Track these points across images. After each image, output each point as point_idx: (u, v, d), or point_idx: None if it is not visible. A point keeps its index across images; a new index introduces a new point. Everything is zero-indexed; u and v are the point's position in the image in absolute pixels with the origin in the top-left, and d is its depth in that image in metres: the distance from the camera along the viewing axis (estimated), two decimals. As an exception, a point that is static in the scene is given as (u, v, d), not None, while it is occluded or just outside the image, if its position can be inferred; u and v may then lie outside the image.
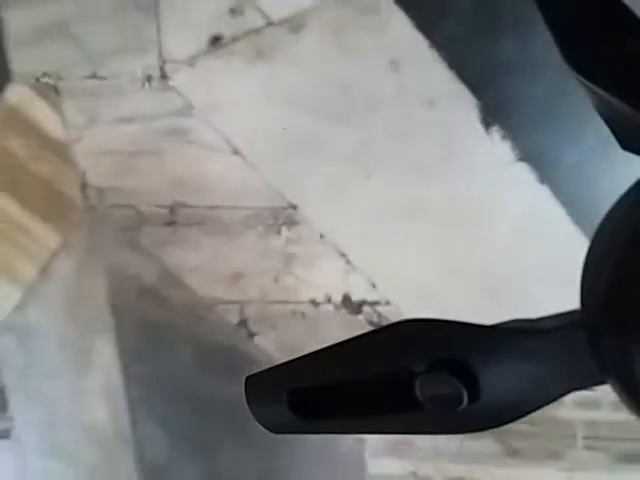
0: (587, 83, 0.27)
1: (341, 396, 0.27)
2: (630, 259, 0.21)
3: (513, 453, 0.77)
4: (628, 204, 0.24)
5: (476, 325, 0.25)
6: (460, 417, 0.25)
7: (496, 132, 0.63)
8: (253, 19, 0.61)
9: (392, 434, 0.27)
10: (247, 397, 0.29)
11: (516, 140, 0.63)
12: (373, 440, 0.79)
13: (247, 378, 0.29)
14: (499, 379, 0.24)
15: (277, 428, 0.29)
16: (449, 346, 0.25)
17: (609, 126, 0.29)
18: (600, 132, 0.63)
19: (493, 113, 0.62)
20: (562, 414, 0.74)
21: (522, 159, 0.64)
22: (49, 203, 0.73)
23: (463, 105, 0.62)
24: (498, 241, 0.67)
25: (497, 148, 0.63)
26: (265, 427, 0.29)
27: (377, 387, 0.27)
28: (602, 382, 0.23)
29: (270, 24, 0.61)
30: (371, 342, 0.26)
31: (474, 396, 0.24)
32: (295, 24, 0.60)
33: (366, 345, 0.27)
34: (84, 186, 0.71)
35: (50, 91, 0.67)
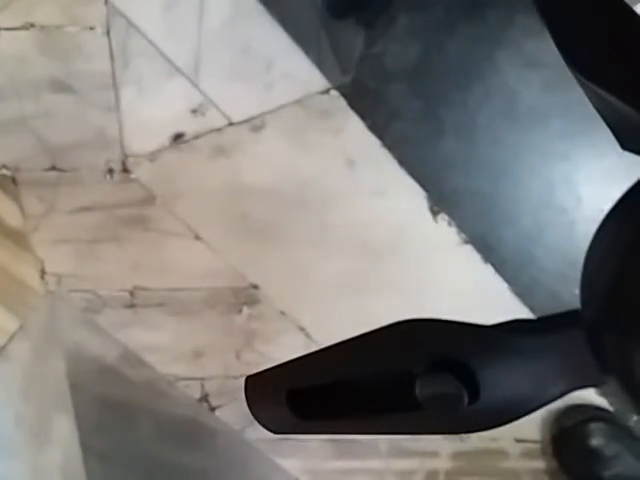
0: (587, 83, 0.27)
1: (341, 396, 0.27)
2: (630, 260, 0.21)
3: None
4: (628, 205, 0.23)
5: (476, 325, 0.24)
6: (460, 417, 0.24)
7: (442, 219, 0.68)
8: (214, 119, 0.63)
9: (392, 434, 0.27)
10: (247, 397, 0.28)
11: (461, 226, 0.68)
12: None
13: (247, 378, 0.28)
14: (499, 379, 0.24)
15: (277, 428, 0.28)
16: (449, 346, 0.24)
17: (609, 126, 0.29)
18: (536, 215, 0.69)
19: (439, 203, 0.67)
20: (507, 464, 0.79)
21: (467, 242, 0.69)
22: (7, 289, 0.72)
23: (413, 196, 0.66)
24: (445, 315, 0.71)
25: (444, 233, 0.68)
26: (265, 427, 0.28)
27: (377, 387, 0.26)
28: (602, 382, 0.23)
29: (231, 124, 0.63)
30: (371, 342, 0.26)
31: (474, 396, 0.24)
32: (255, 124, 0.63)
33: (366, 345, 0.26)
34: (43, 272, 0.71)
35: (8, 182, 0.67)
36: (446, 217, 0.68)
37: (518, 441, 0.78)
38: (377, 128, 0.63)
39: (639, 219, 0.22)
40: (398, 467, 0.80)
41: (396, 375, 0.25)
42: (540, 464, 0.79)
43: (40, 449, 0.81)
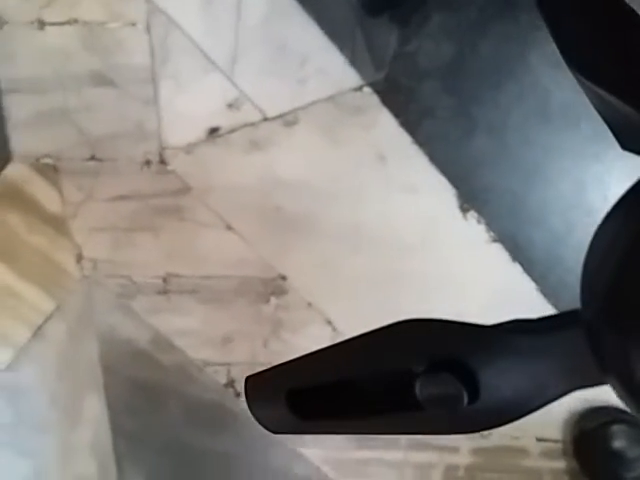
0: (587, 83, 0.27)
1: (341, 396, 0.27)
2: (630, 260, 0.21)
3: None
4: (628, 205, 0.23)
5: (476, 325, 0.24)
6: (460, 417, 0.24)
7: (472, 217, 0.69)
8: (250, 114, 0.65)
9: (392, 434, 0.26)
10: (247, 397, 0.28)
11: (490, 224, 0.69)
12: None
13: (247, 378, 0.28)
14: (499, 379, 0.24)
15: (277, 428, 0.28)
16: (449, 346, 0.24)
17: (609, 126, 0.29)
18: (565, 216, 0.69)
19: (469, 200, 0.68)
20: (528, 463, 0.80)
21: (496, 240, 0.70)
22: (45, 272, 0.75)
23: (443, 193, 0.67)
24: (472, 313, 0.72)
25: (473, 230, 0.69)
26: (265, 427, 0.28)
27: (377, 387, 0.26)
28: (602, 382, 0.23)
29: (265, 119, 0.65)
30: (371, 342, 0.26)
31: (474, 396, 0.24)
32: (289, 120, 0.65)
33: (366, 345, 0.26)
34: (80, 258, 0.74)
35: (49, 170, 0.70)
36: (475, 215, 0.69)
37: (539, 440, 0.78)
38: (409, 125, 0.64)
39: (637, 220, 0.22)
40: (417, 460, 0.81)
41: (396, 375, 0.25)
42: (561, 464, 0.79)
43: (72, 427, 0.84)
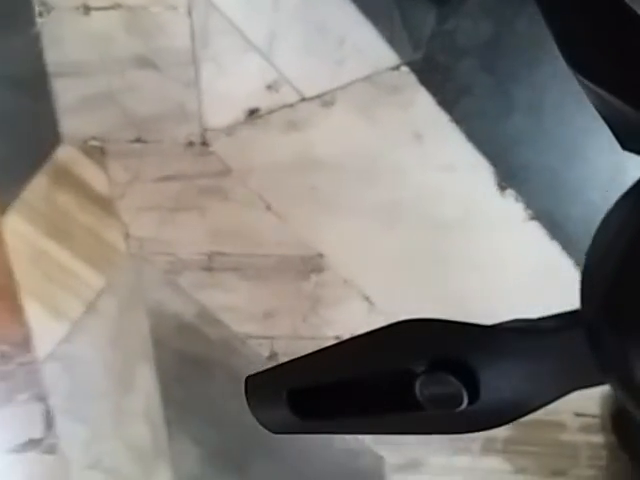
0: (587, 83, 0.27)
1: (341, 396, 0.27)
2: (630, 260, 0.21)
3: (521, 470, 0.84)
4: (628, 205, 0.24)
5: (476, 325, 0.24)
6: (460, 417, 0.24)
7: (509, 195, 0.68)
8: (288, 95, 0.66)
9: (392, 434, 0.27)
10: (247, 397, 0.28)
11: (528, 201, 0.68)
12: (392, 457, 0.86)
13: (247, 378, 0.28)
14: (499, 379, 0.24)
15: (277, 428, 0.28)
16: (449, 346, 0.24)
17: (609, 126, 0.29)
18: (604, 193, 0.68)
19: (507, 178, 0.67)
20: (566, 437, 0.80)
21: (534, 218, 0.69)
22: (95, 250, 0.79)
23: (480, 171, 0.67)
24: (511, 290, 0.72)
25: (511, 208, 0.69)
26: (265, 427, 0.28)
27: (377, 387, 0.26)
28: (602, 382, 0.23)
29: (303, 99, 0.66)
30: (371, 342, 0.26)
31: (474, 396, 0.24)
32: (326, 100, 0.65)
33: (366, 345, 0.26)
34: (127, 236, 0.77)
35: (97, 152, 0.73)
36: (513, 192, 0.68)
37: (578, 415, 0.79)
38: (446, 103, 0.63)
39: (637, 221, 0.22)
40: (455, 432, 0.83)
41: (396, 375, 0.25)
42: (599, 439, 0.80)
43: (125, 395, 0.89)
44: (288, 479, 0.90)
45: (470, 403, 0.24)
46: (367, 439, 0.85)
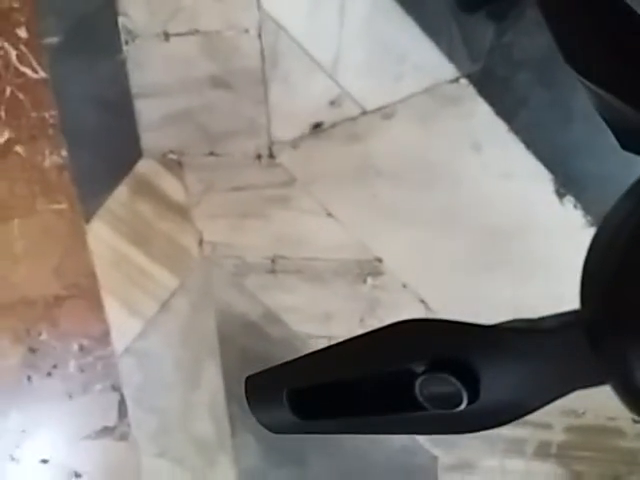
0: (587, 83, 0.28)
1: (341, 396, 0.27)
2: (630, 260, 0.21)
3: (576, 476, 0.84)
4: (627, 206, 0.24)
5: (476, 325, 0.24)
6: (460, 417, 0.24)
7: (568, 201, 0.70)
8: (350, 109, 0.70)
9: (392, 434, 0.27)
10: (247, 397, 0.28)
11: (587, 208, 0.70)
12: (445, 457, 0.88)
13: (247, 378, 0.29)
14: (499, 379, 0.24)
15: (277, 428, 0.28)
16: (449, 346, 0.24)
17: (609, 126, 0.30)
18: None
19: (566, 185, 0.69)
20: (624, 444, 0.80)
21: (593, 225, 0.70)
22: (170, 254, 0.85)
23: (539, 179, 0.69)
24: (568, 298, 0.73)
25: (570, 215, 0.70)
26: (266, 427, 0.29)
27: (377, 387, 0.26)
28: (602, 382, 0.23)
29: (364, 113, 0.70)
30: (371, 342, 0.26)
31: (474, 396, 0.24)
32: (387, 112, 0.69)
33: (366, 345, 0.26)
34: (201, 241, 0.83)
35: (174, 165, 0.79)
36: (572, 199, 0.70)
37: (636, 422, 0.79)
38: (505, 114, 0.66)
39: (635, 222, 0.23)
40: (510, 434, 0.84)
41: (396, 375, 0.25)
42: (658, 446, 0.79)
43: (192, 390, 0.95)
44: (345, 474, 0.93)
45: (470, 403, 0.24)
46: (421, 438, 0.88)
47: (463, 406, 0.24)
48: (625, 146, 0.30)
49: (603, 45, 0.28)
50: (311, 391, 0.27)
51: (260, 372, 0.29)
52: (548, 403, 0.24)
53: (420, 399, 0.25)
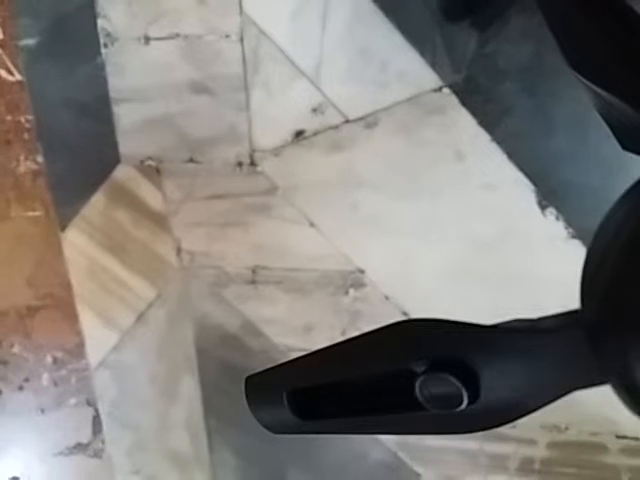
0: (587, 83, 0.27)
1: (341, 396, 0.27)
2: (630, 260, 0.21)
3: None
4: (627, 206, 0.24)
5: (476, 325, 0.24)
6: (460, 417, 0.24)
7: (550, 213, 0.69)
8: (332, 117, 0.69)
9: (392, 434, 0.27)
10: (247, 397, 0.28)
11: (569, 220, 0.69)
12: (428, 474, 0.87)
13: (247, 378, 0.29)
14: (499, 379, 0.24)
15: (277, 429, 0.28)
16: (449, 346, 0.24)
17: (609, 126, 0.29)
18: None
19: (548, 196, 0.69)
20: (607, 459, 0.80)
21: (575, 237, 0.70)
22: (148, 263, 0.83)
23: (521, 190, 0.68)
24: (550, 309, 0.73)
25: (552, 227, 0.70)
26: (266, 427, 0.28)
27: (377, 387, 0.26)
28: (602, 382, 0.23)
29: (347, 121, 0.69)
30: (371, 342, 0.26)
31: (474, 396, 0.24)
32: (369, 121, 0.68)
33: (366, 345, 0.26)
34: (179, 250, 0.81)
35: (153, 171, 0.78)
36: (554, 211, 0.69)
37: (619, 437, 0.78)
38: (488, 124, 0.65)
39: (635, 221, 0.22)
40: (492, 450, 0.83)
41: (396, 375, 0.25)
42: (641, 462, 0.79)
43: (169, 404, 0.92)
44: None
45: (470, 403, 0.24)
46: (404, 456, 0.86)
47: (463, 406, 0.24)
48: (625, 146, 0.30)
49: (604, 45, 0.28)
50: (311, 391, 0.27)
51: (260, 372, 0.29)
52: (548, 403, 0.24)
53: (420, 399, 0.25)
